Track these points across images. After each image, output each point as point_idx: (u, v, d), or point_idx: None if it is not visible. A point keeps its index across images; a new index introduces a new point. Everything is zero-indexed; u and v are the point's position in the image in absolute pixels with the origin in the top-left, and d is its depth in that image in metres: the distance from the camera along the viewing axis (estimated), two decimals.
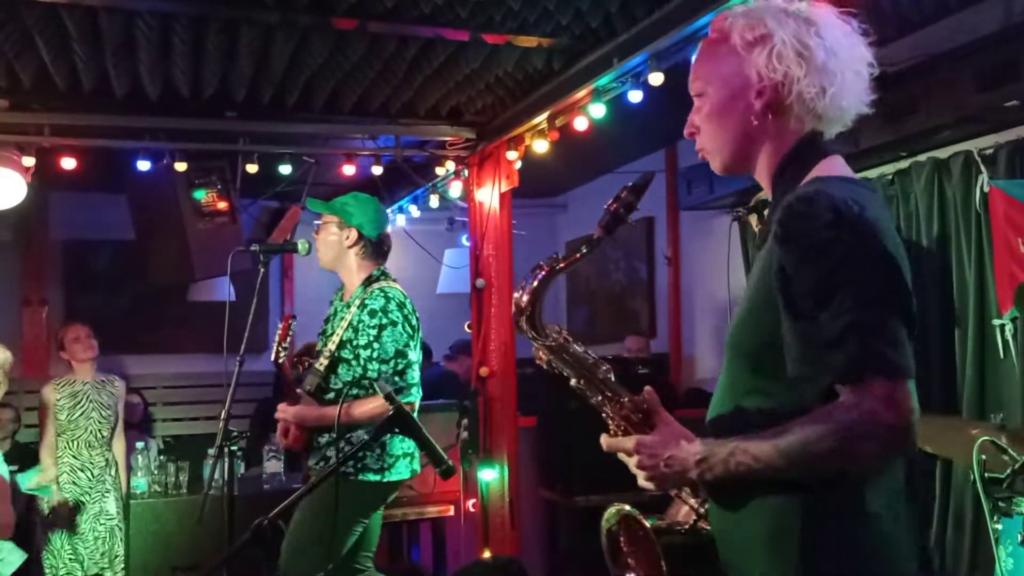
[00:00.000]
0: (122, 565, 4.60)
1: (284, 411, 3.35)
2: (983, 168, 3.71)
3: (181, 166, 4.70)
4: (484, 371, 5.02)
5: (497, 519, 4.96)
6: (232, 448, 3.18)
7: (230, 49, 3.81)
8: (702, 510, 1.61)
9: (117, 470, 4.81)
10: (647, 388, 1.61)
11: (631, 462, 1.53)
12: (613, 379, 1.66)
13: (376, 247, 3.51)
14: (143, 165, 4.68)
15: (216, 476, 3.34)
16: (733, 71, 1.51)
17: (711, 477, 1.42)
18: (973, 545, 3.63)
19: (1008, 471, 2.46)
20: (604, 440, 1.58)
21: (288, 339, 3.41)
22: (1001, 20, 3.52)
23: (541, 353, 1.69)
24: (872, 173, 4.20)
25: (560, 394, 5.38)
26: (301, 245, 3.44)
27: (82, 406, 4.76)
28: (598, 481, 4.13)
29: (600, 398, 1.64)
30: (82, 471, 4.71)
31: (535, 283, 1.65)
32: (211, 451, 3.27)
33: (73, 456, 4.71)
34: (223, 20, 3.55)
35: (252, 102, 4.43)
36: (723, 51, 1.52)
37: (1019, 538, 2.31)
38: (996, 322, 3.63)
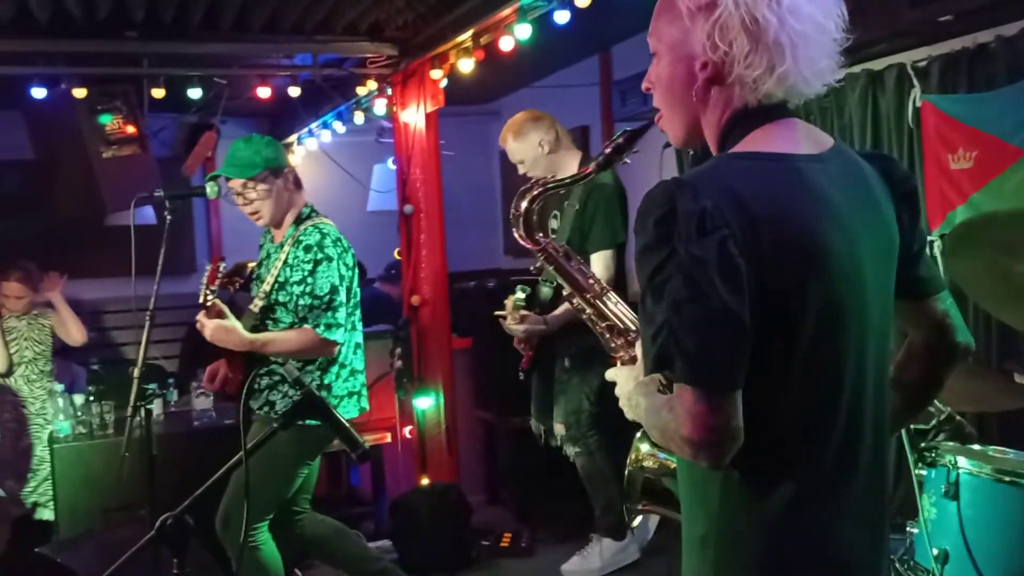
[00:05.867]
0: None
1: (203, 323, 3.20)
2: (916, 82, 3.64)
3: (80, 92, 4.38)
4: (416, 299, 4.94)
5: (434, 445, 4.97)
6: (148, 407, 3.05)
7: None
8: None
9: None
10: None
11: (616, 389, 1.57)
12: (611, 298, 1.76)
13: (294, 175, 3.37)
14: (39, 92, 4.35)
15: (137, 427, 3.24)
16: (679, 38, 1.38)
17: (632, 416, 1.47)
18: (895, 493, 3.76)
19: (933, 422, 2.47)
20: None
21: (216, 282, 3.25)
22: None
23: (537, 260, 1.84)
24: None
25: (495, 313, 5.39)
26: (210, 189, 3.25)
27: (16, 343, 4.66)
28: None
29: (590, 312, 1.75)
30: (23, 407, 4.63)
31: (532, 194, 1.81)
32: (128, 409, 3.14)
33: (12, 393, 4.63)
34: None
35: (153, 21, 4.12)
36: (674, 14, 1.38)
37: (943, 489, 2.33)
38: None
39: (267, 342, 3.19)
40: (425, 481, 4.89)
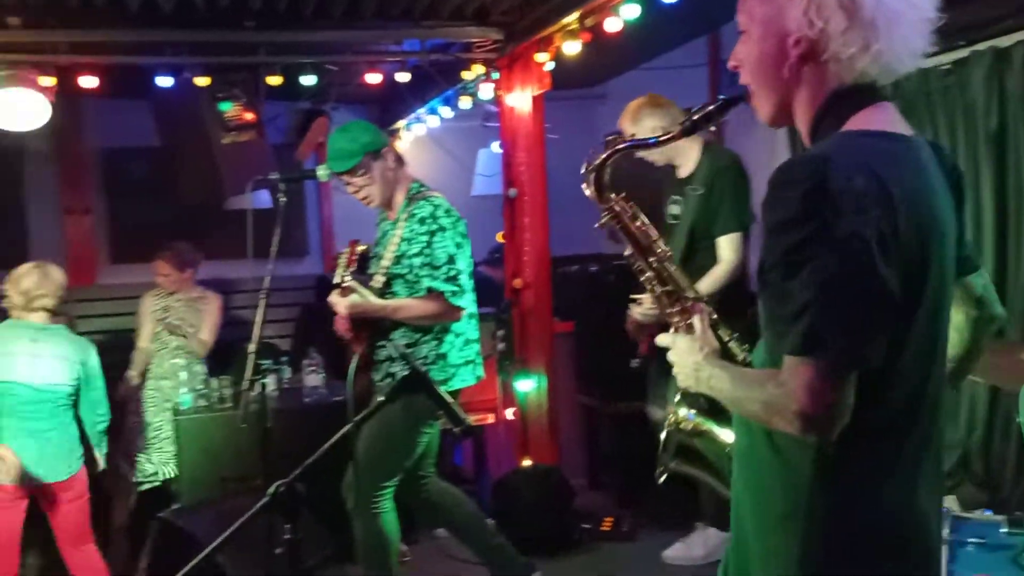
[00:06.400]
0: None
1: (336, 301, 3.31)
2: None
3: (202, 81, 4.59)
4: (518, 282, 4.96)
5: (536, 427, 5.00)
6: (263, 382, 3.19)
7: None
8: None
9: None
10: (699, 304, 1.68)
11: (670, 355, 1.58)
12: (670, 262, 1.76)
13: (394, 153, 3.45)
14: (164, 81, 4.57)
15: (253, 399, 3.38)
16: (773, 14, 1.38)
17: (704, 390, 1.48)
18: (1020, 450, 3.60)
19: None
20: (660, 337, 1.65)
21: (354, 265, 3.35)
22: None
23: (602, 216, 1.83)
24: (929, 63, 3.90)
25: (598, 298, 5.36)
26: (321, 171, 3.36)
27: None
28: (639, 386, 4.10)
29: (649, 275, 1.75)
30: (165, 379, 4.82)
31: (609, 151, 1.78)
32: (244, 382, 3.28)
33: (157, 365, 4.84)
34: None
35: (270, 11, 4.27)
36: None
37: None
38: None
39: (397, 308, 3.29)
40: (527, 463, 4.93)
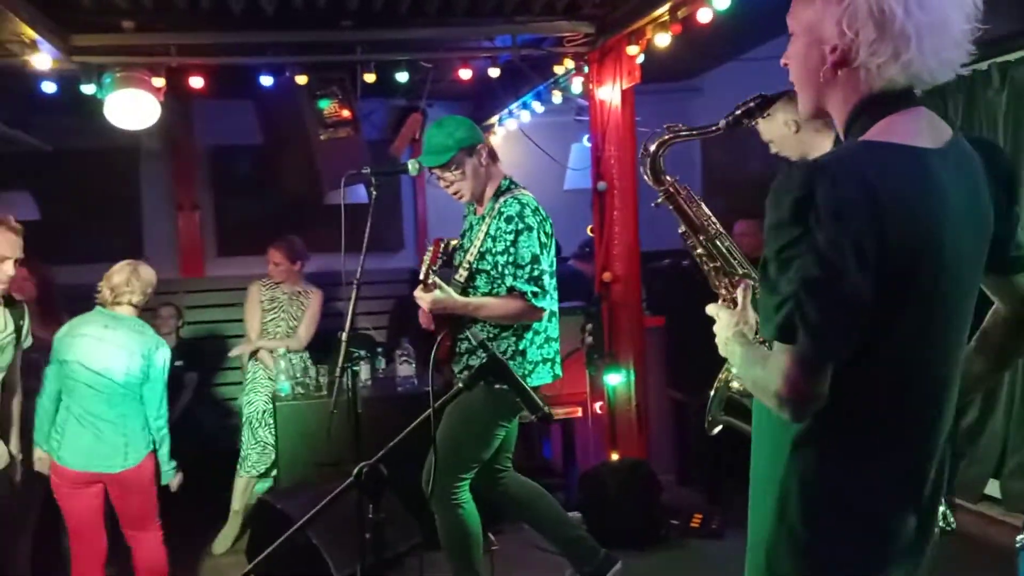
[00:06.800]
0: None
1: (421, 296, 3.39)
2: None
3: (302, 79, 4.75)
4: (607, 276, 4.95)
5: (624, 421, 4.99)
6: (354, 369, 3.28)
7: None
8: None
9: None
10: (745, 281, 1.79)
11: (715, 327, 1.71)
12: (724, 240, 1.88)
13: (488, 149, 3.48)
14: (266, 80, 4.75)
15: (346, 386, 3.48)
16: (813, 21, 1.48)
17: (725, 355, 1.67)
18: None
19: None
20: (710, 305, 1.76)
21: (438, 263, 3.41)
22: None
23: (659, 197, 1.95)
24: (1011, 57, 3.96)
25: (690, 293, 5.28)
26: (412, 166, 3.42)
27: (274, 312, 5.04)
28: None
29: (700, 251, 1.87)
30: (267, 366, 4.98)
31: (665, 136, 1.89)
32: (336, 369, 3.39)
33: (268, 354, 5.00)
34: None
35: (366, 10, 4.39)
36: None
37: None
38: None
39: (479, 306, 3.34)
40: (615, 456, 4.93)
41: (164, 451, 3.70)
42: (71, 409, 3.57)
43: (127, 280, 3.65)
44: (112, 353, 3.57)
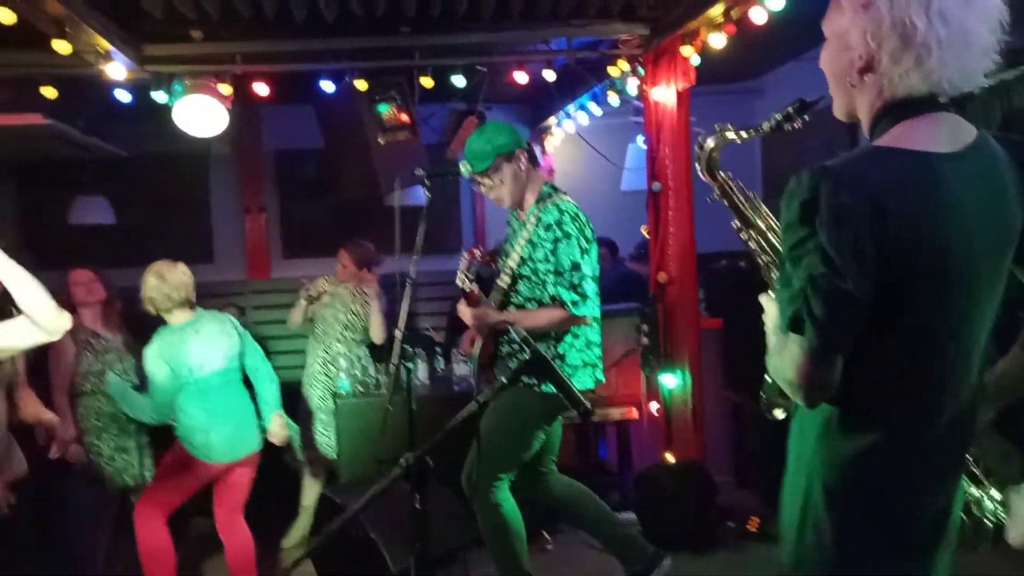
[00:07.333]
0: None
1: (463, 311, 3.48)
2: None
3: (361, 84, 4.85)
4: (662, 277, 4.95)
5: (680, 422, 4.97)
6: (408, 365, 3.36)
7: None
8: None
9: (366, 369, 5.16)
10: None
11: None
12: (774, 233, 1.91)
13: (528, 154, 3.52)
14: (327, 86, 4.87)
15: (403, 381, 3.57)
16: (843, 28, 1.56)
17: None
18: None
19: None
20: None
21: (471, 271, 3.47)
22: None
23: (713, 192, 2.01)
24: None
25: (747, 295, 5.23)
26: (464, 168, 3.49)
27: (332, 306, 5.13)
28: None
29: (753, 245, 1.94)
30: (331, 364, 5.07)
31: (720, 134, 1.96)
32: (391, 364, 3.48)
33: (324, 350, 5.10)
34: None
35: (423, 16, 4.47)
36: (840, 7, 1.57)
37: None
38: None
39: (521, 319, 3.38)
40: (670, 458, 4.92)
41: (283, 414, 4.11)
42: (208, 409, 3.85)
43: (179, 284, 3.87)
44: (215, 345, 3.91)
